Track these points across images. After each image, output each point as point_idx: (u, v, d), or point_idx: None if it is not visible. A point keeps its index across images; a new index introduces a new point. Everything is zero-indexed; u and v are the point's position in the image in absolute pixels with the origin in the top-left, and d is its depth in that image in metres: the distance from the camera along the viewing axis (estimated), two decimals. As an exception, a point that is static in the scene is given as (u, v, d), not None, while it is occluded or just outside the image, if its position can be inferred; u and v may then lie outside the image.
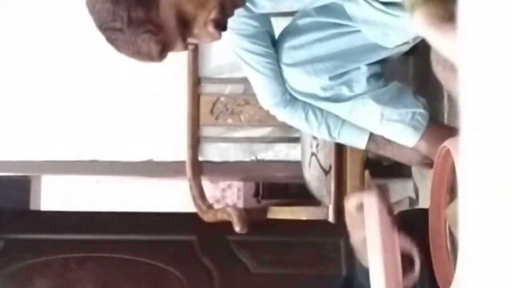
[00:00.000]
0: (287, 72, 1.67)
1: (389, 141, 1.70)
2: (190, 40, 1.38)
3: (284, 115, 1.73)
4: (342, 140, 1.76)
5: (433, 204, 1.37)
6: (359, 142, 1.73)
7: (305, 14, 1.69)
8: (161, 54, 1.36)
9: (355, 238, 1.37)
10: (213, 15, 1.35)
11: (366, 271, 1.32)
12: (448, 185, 1.33)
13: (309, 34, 1.66)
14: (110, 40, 1.35)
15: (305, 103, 1.69)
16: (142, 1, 1.30)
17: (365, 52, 1.67)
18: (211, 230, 3.15)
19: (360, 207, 1.32)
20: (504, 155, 0.53)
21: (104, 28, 1.34)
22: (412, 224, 1.48)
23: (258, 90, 1.73)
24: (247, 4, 1.50)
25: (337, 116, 1.70)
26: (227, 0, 1.38)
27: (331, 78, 1.65)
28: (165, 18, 1.32)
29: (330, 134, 1.72)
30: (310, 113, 1.69)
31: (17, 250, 3.51)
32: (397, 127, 1.66)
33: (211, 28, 1.36)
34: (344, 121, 1.70)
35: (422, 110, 1.67)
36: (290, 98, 1.70)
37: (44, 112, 3.05)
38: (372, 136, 1.71)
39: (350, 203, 1.34)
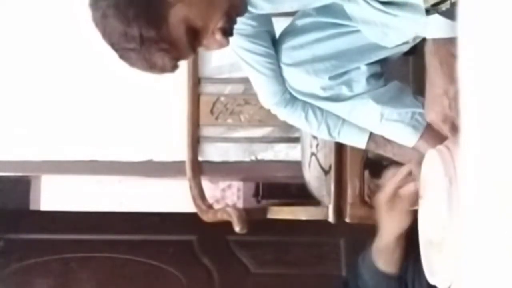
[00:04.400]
0: (287, 72, 1.67)
1: (389, 141, 1.70)
2: (199, 49, 1.43)
3: (284, 114, 1.73)
4: (342, 139, 1.76)
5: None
6: (359, 141, 1.73)
7: (305, 14, 1.69)
8: (175, 66, 1.41)
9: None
10: (220, 24, 1.40)
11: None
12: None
13: (309, 34, 1.67)
14: (123, 58, 1.40)
15: (305, 102, 1.69)
16: (152, 21, 1.34)
17: (365, 52, 1.67)
18: (211, 230, 3.15)
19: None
20: (504, 155, 0.53)
21: (117, 48, 1.38)
22: (412, 223, 1.49)
23: (258, 89, 1.74)
24: (249, 7, 1.51)
25: (337, 116, 1.70)
26: (231, 8, 1.42)
27: (330, 78, 1.65)
28: (176, 34, 1.37)
29: (330, 134, 1.72)
30: (310, 113, 1.70)
31: (17, 250, 3.51)
32: (397, 127, 1.66)
33: (219, 36, 1.41)
34: (344, 120, 1.70)
35: (421, 110, 1.67)
36: (290, 98, 1.70)
37: (44, 112, 3.05)
38: (372, 135, 1.71)
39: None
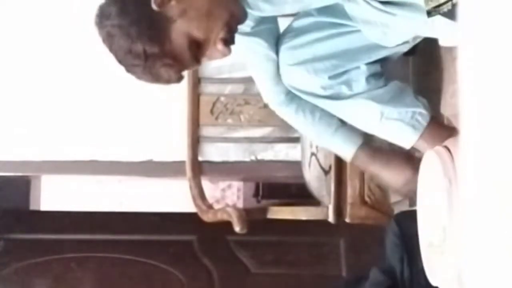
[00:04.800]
0: (288, 71, 1.67)
1: (374, 160, 1.69)
2: (202, 59, 1.49)
3: (281, 113, 1.75)
4: (329, 147, 1.78)
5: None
6: (346, 153, 1.72)
7: (306, 14, 1.69)
8: (180, 78, 1.48)
9: None
10: (221, 35, 1.45)
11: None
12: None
13: (309, 34, 1.67)
14: (130, 72, 1.47)
15: (299, 105, 1.69)
16: (155, 38, 1.41)
17: (364, 52, 1.67)
18: (211, 230, 3.14)
19: None
20: (504, 155, 0.53)
21: (124, 64, 1.46)
22: (412, 224, 1.49)
23: (259, 87, 1.75)
24: (249, 10, 1.52)
25: (329, 123, 1.69)
26: (231, 19, 1.46)
27: (330, 77, 1.65)
28: (179, 48, 1.43)
29: (318, 140, 1.73)
30: (301, 117, 1.70)
31: (17, 250, 3.51)
32: (397, 126, 1.66)
33: (220, 47, 1.45)
34: (335, 129, 1.69)
35: (422, 110, 1.66)
36: (286, 99, 1.70)
37: (44, 112, 3.05)
38: (358, 151, 1.70)
39: None
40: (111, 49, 1.45)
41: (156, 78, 1.46)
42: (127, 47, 1.42)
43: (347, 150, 1.71)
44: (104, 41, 1.46)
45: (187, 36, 1.43)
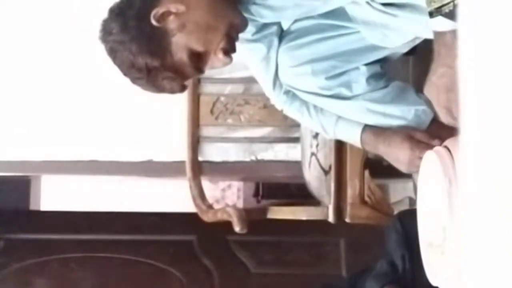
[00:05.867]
0: (287, 72, 1.67)
1: (378, 140, 1.68)
2: (204, 69, 1.52)
3: (286, 112, 1.75)
4: (338, 138, 1.78)
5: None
6: (353, 139, 1.72)
7: (306, 16, 1.69)
8: (183, 88, 1.53)
9: None
10: (221, 45, 1.47)
11: None
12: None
13: (309, 36, 1.67)
14: (135, 84, 1.52)
15: (302, 101, 1.70)
16: (155, 52, 1.45)
17: (363, 53, 1.67)
18: (211, 230, 3.15)
19: None
20: (504, 155, 0.53)
21: (128, 77, 1.51)
22: (414, 222, 1.49)
23: (264, 90, 1.76)
24: (250, 16, 1.53)
25: (330, 114, 1.70)
26: (231, 29, 1.48)
27: (328, 78, 1.65)
28: (179, 61, 1.46)
29: (325, 132, 1.73)
30: (306, 114, 1.71)
31: (17, 250, 3.51)
32: (399, 124, 1.65)
33: (221, 56, 1.48)
34: (337, 118, 1.69)
35: (424, 107, 1.66)
36: (287, 98, 1.70)
37: (44, 112, 3.05)
38: (363, 133, 1.69)
39: None
40: (115, 63, 1.50)
41: (159, 90, 1.51)
42: (129, 62, 1.46)
43: (353, 135, 1.70)
44: (108, 54, 1.50)
45: (187, 49, 1.46)
